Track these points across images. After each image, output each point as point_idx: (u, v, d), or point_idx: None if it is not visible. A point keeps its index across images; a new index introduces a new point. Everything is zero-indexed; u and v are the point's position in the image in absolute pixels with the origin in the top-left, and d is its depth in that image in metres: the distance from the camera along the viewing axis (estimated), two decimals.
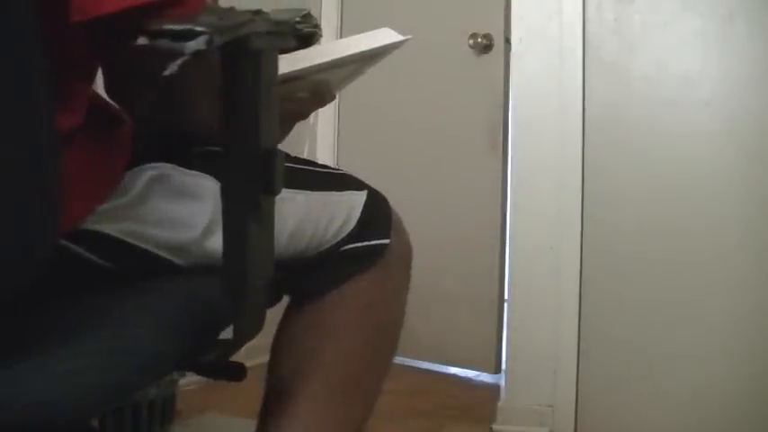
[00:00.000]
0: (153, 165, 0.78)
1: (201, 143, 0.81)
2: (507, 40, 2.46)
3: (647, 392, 1.99)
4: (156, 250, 0.77)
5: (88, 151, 0.73)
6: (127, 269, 0.75)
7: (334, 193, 0.90)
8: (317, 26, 0.73)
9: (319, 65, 0.84)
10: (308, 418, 0.86)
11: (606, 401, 2.04)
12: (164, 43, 0.58)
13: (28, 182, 0.59)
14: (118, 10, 0.65)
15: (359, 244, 0.90)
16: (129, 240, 0.75)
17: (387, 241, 0.92)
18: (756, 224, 1.89)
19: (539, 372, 2.10)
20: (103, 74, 0.77)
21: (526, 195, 2.14)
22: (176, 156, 0.80)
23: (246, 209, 0.67)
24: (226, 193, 0.69)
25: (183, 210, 0.79)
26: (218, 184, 0.72)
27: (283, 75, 0.83)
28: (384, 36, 0.91)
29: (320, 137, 2.99)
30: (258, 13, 0.66)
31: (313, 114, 1.01)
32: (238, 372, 0.79)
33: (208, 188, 0.78)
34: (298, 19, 0.70)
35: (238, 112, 0.66)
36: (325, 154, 2.96)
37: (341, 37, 2.97)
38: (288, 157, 0.90)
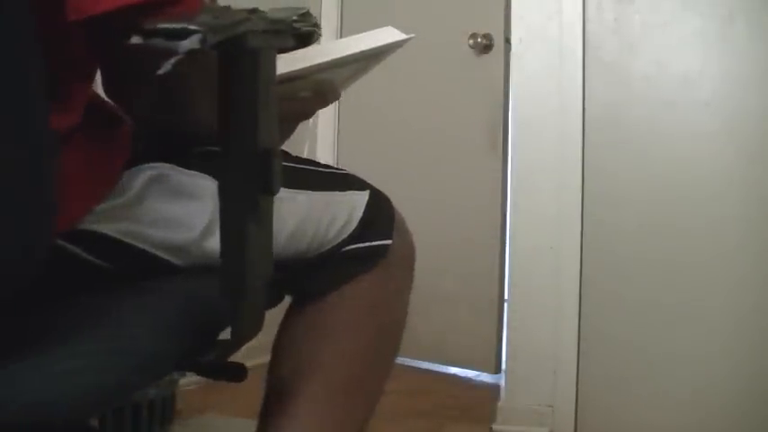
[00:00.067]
0: (151, 165, 0.78)
1: (201, 143, 0.81)
2: (507, 40, 2.46)
3: (647, 392, 1.99)
4: (154, 250, 0.76)
5: (86, 151, 0.73)
6: (125, 269, 0.75)
7: (335, 193, 0.90)
8: (317, 25, 0.72)
9: (321, 64, 0.84)
10: (307, 418, 0.86)
11: (606, 401, 2.04)
12: (158, 42, 0.58)
13: (23, 182, 0.58)
14: (113, 9, 0.65)
15: (360, 244, 0.89)
16: (127, 240, 0.75)
17: (389, 242, 0.91)
18: (756, 224, 1.89)
19: (539, 372, 2.10)
20: (101, 73, 0.77)
21: (526, 195, 2.14)
22: (176, 156, 0.80)
23: (244, 209, 0.67)
24: (223, 193, 0.69)
25: (181, 210, 0.78)
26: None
27: (285, 74, 0.83)
28: (387, 35, 0.90)
29: (320, 137, 2.99)
30: (254, 11, 0.65)
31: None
32: (239, 372, 0.78)
33: (207, 188, 0.78)
34: (295, 17, 0.70)
35: (236, 111, 0.66)
36: (325, 154, 2.96)
37: (341, 37, 2.97)
38: (290, 157, 0.90)
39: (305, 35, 0.72)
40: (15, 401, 0.59)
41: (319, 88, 0.89)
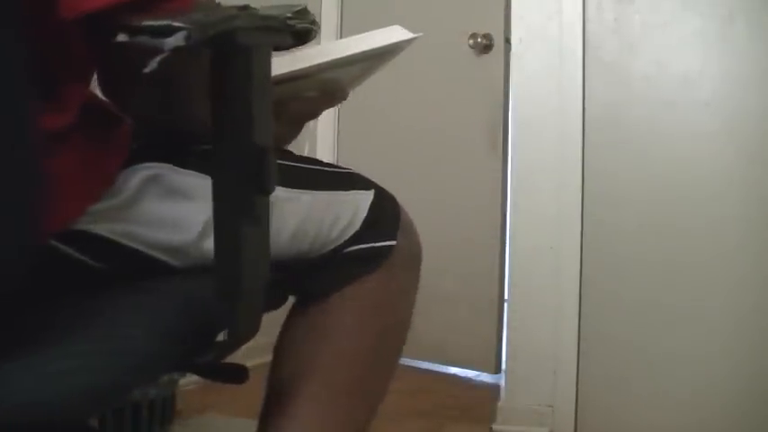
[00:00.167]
0: (148, 165, 0.76)
1: (200, 142, 0.80)
2: (507, 40, 2.46)
3: (647, 392, 1.99)
4: (149, 251, 0.75)
5: (82, 151, 0.72)
6: (119, 270, 0.74)
7: (339, 192, 0.88)
8: (314, 22, 0.71)
9: (326, 63, 0.83)
10: (307, 418, 0.85)
11: (606, 401, 2.04)
12: (143, 40, 0.57)
13: (7, 181, 0.58)
14: (106, 6, 0.64)
15: (364, 245, 0.88)
16: (122, 241, 0.74)
17: (393, 243, 0.90)
18: (756, 224, 1.89)
19: (539, 372, 2.10)
20: (97, 71, 0.76)
21: (526, 195, 2.14)
22: (174, 155, 0.79)
23: (239, 209, 0.66)
24: (217, 193, 0.68)
25: (178, 210, 0.77)
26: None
27: (290, 73, 0.82)
28: (394, 34, 0.89)
29: (320, 137, 2.99)
30: (245, 8, 0.65)
31: None
32: (239, 374, 0.78)
33: (205, 188, 0.77)
34: (289, 14, 0.69)
35: (230, 109, 0.65)
36: (325, 154, 2.96)
37: (341, 37, 2.97)
38: (293, 157, 0.89)
39: (301, 33, 0.71)
40: (8, 401, 0.59)
41: (326, 88, 0.88)
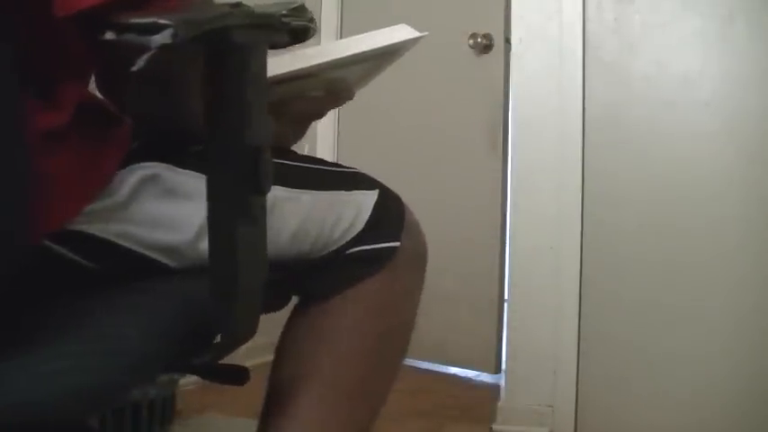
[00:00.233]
0: (144, 164, 0.75)
1: (199, 142, 0.80)
2: (507, 40, 2.46)
3: (647, 392, 1.99)
4: (146, 251, 0.75)
5: (79, 151, 0.71)
6: (113, 270, 0.73)
7: (341, 192, 0.87)
8: (312, 20, 0.70)
9: (331, 62, 0.82)
10: (307, 419, 0.85)
11: (606, 401, 2.04)
12: (130, 38, 0.57)
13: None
14: (99, 4, 0.63)
15: (366, 247, 0.87)
16: (116, 241, 0.73)
17: (396, 244, 0.88)
18: (756, 224, 1.89)
19: (539, 372, 2.10)
20: (95, 70, 0.75)
21: (526, 195, 2.14)
22: (173, 154, 0.78)
23: (234, 209, 0.65)
24: (211, 194, 0.67)
25: (175, 210, 0.76)
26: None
27: (293, 72, 0.81)
28: (399, 32, 0.88)
29: (320, 137, 2.99)
30: (238, 5, 0.64)
31: None
32: (240, 375, 0.78)
33: (203, 188, 0.77)
34: (284, 12, 0.68)
35: (225, 108, 0.64)
36: (325, 154, 2.96)
37: (341, 37, 2.97)
38: (296, 156, 0.88)
39: (298, 31, 0.70)
40: (1, 402, 0.58)
41: (332, 87, 0.87)
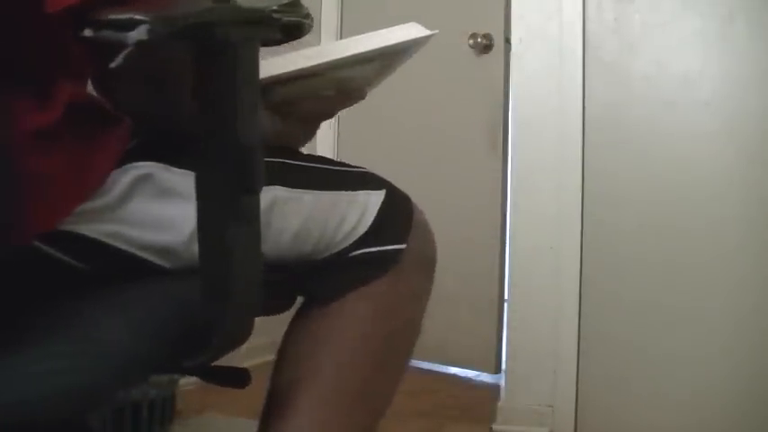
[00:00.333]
0: (139, 164, 0.74)
1: (196, 141, 0.79)
2: (507, 40, 2.46)
3: (647, 392, 1.99)
4: (138, 252, 0.73)
5: (72, 151, 0.70)
6: (105, 271, 0.72)
7: (345, 192, 0.85)
8: (308, 15, 0.69)
9: (339, 60, 0.81)
10: (308, 421, 0.84)
11: (606, 401, 2.04)
12: (107, 34, 0.56)
13: None
14: (86, 0, 0.62)
15: (371, 249, 0.84)
16: (107, 241, 0.72)
17: (402, 246, 0.86)
18: (756, 224, 1.89)
19: (539, 372, 2.10)
20: (91, 68, 0.74)
21: (526, 195, 2.14)
22: (169, 154, 0.77)
23: (225, 209, 0.64)
24: (201, 192, 0.65)
25: (170, 210, 0.75)
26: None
27: (298, 71, 0.80)
28: (410, 31, 0.86)
29: (320, 137, 2.99)
30: (226, 0, 0.63)
31: None
32: (241, 377, 0.77)
33: None
34: (275, 8, 0.67)
35: (215, 106, 0.63)
36: (324, 154, 2.95)
37: (340, 37, 2.97)
38: (300, 156, 0.87)
39: (291, 27, 0.69)
40: None
41: (342, 86, 0.86)
